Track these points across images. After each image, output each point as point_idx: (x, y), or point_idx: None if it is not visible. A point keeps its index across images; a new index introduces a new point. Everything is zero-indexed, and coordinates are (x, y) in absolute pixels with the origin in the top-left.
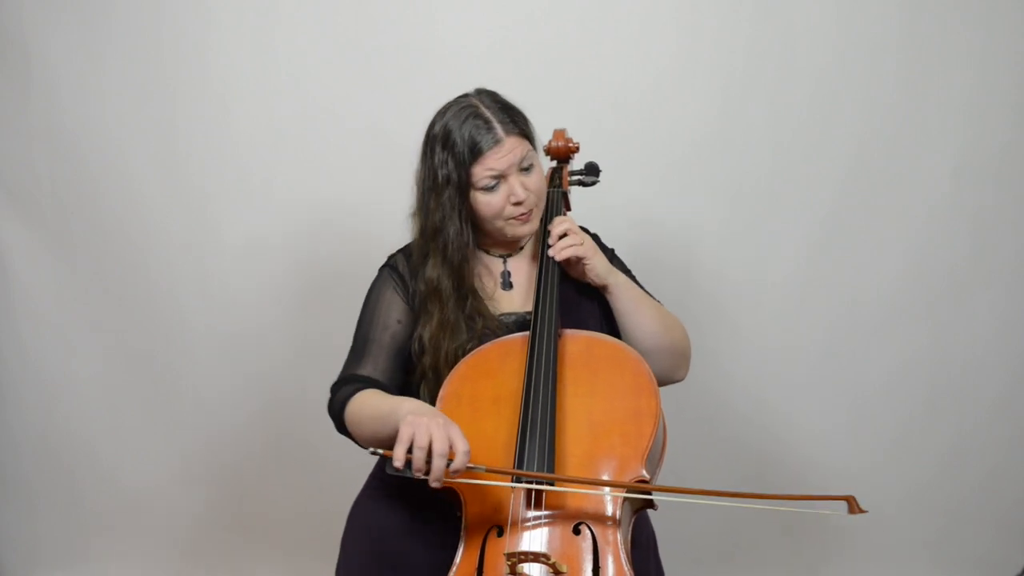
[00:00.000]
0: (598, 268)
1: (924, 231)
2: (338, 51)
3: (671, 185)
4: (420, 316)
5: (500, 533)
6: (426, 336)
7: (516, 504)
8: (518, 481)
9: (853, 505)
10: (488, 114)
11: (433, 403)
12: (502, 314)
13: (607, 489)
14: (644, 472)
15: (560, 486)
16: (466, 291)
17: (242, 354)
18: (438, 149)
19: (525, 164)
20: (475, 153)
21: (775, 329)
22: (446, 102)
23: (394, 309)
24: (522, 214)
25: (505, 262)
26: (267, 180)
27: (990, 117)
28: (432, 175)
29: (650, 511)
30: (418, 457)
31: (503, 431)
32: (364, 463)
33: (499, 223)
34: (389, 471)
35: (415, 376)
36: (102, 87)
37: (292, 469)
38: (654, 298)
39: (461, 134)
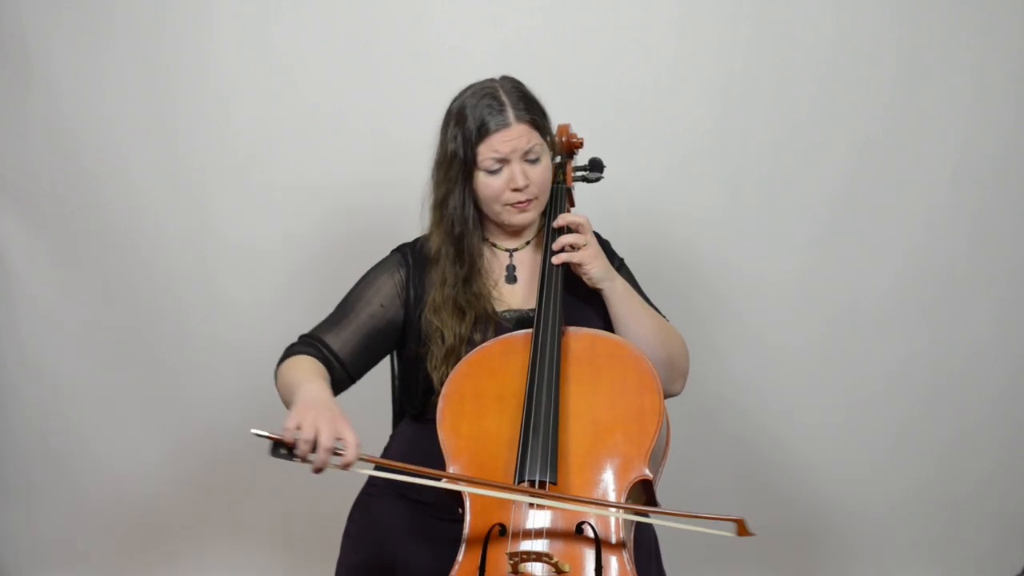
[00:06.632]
0: (592, 273)
1: (924, 231)
2: (338, 51)
3: (674, 182)
4: (423, 295)
5: (503, 532)
6: (430, 312)
7: (519, 503)
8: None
9: (741, 527)
10: (504, 97)
11: (436, 394)
12: (504, 311)
13: (609, 488)
14: (647, 471)
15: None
16: (467, 266)
17: (242, 354)
18: (451, 124)
19: (531, 156)
20: (482, 133)
21: (775, 328)
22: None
23: (381, 292)
24: (519, 202)
25: (511, 256)
26: (267, 180)
27: (990, 117)
28: (443, 149)
29: None
30: (303, 450)
31: (506, 429)
32: None
33: (496, 207)
34: (272, 455)
35: (421, 356)
36: (102, 87)
37: (293, 469)
38: (659, 311)
39: (473, 113)
